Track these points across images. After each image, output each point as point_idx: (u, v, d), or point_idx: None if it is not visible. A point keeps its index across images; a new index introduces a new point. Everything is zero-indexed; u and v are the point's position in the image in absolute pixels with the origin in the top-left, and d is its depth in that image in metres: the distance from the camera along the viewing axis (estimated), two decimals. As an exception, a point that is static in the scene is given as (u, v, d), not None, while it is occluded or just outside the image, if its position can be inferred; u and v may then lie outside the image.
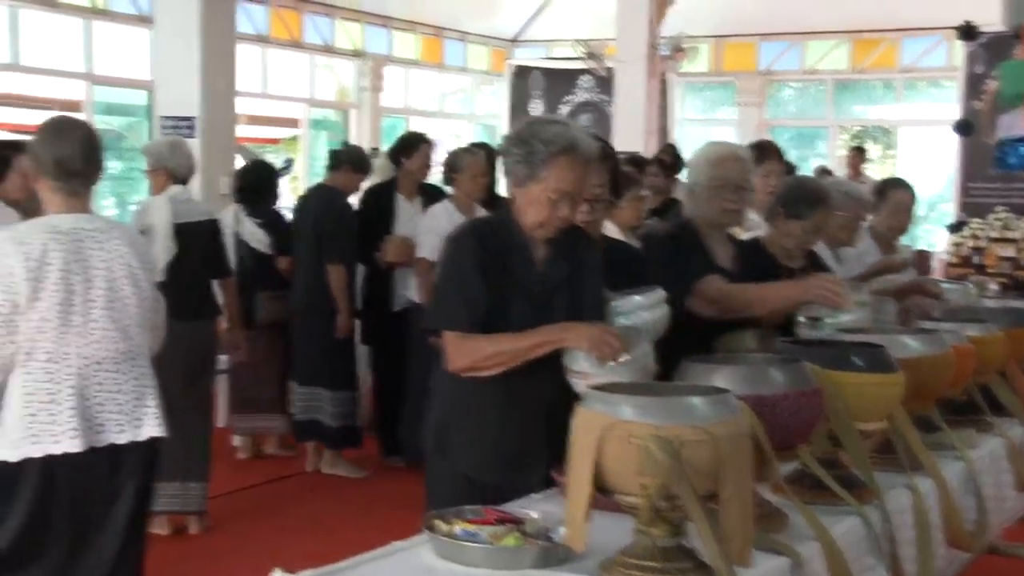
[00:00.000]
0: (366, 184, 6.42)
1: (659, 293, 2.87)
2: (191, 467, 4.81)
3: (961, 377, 2.76)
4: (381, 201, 6.16)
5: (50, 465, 2.91)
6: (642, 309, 2.78)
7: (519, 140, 2.66)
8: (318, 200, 5.97)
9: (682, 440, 1.75)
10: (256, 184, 6.20)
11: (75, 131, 3.01)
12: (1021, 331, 3.23)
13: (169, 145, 5.01)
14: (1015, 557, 4.10)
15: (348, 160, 6.07)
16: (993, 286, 6.88)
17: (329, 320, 5.81)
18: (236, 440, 6.36)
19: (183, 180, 4.94)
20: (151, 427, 3.04)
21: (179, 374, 4.59)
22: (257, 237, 6.04)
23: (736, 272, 3.35)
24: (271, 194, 6.28)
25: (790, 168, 5.47)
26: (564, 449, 2.54)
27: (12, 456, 2.91)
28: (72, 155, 2.94)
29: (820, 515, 2.16)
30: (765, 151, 4.83)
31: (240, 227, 6.05)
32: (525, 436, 2.71)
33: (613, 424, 1.78)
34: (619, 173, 3.15)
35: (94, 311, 2.93)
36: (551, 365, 2.64)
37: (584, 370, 2.54)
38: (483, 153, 6.10)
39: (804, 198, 3.61)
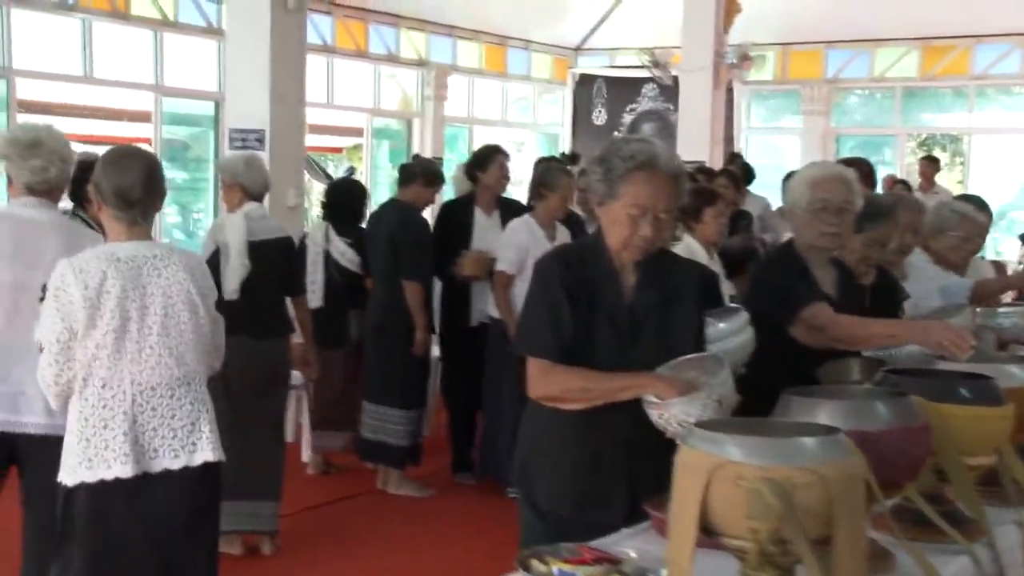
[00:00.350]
0: (439, 198, 6.38)
1: (743, 316, 2.79)
2: (263, 486, 4.79)
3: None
4: (459, 216, 6.11)
5: (104, 491, 2.94)
6: (728, 336, 2.72)
7: (600, 159, 2.63)
8: (392, 216, 5.91)
9: (794, 483, 1.67)
10: (345, 203, 6.19)
11: (136, 162, 3.04)
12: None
13: (244, 161, 5.00)
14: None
15: (421, 173, 6.02)
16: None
17: (404, 337, 5.74)
18: (305, 456, 6.36)
19: (258, 196, 4.93)
20: (205, 452, 3.06)
21: (252, 391, 4.59)
22: (347, 256, 6.04)
23: (838, 297, 3.23)
24: (360, 213, 6.26)
25: (873, 186, 5.33)
26: (644, 484, 2.50)
27: (69, 480, 2.97)
28: (132, 185, 2.98)
29: (927, 554, 2.07)
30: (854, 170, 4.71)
31: (330, 246, 6.06)
32: (603, 470, 2.65)
33: (720, 465, 1.71)
34: (690, 190, 3.09)
35: (149, 338, 2.97)
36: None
37: (660, 399, 2.46)
38: (575, 173, 6.03)
39: (865, 211, 3.49)
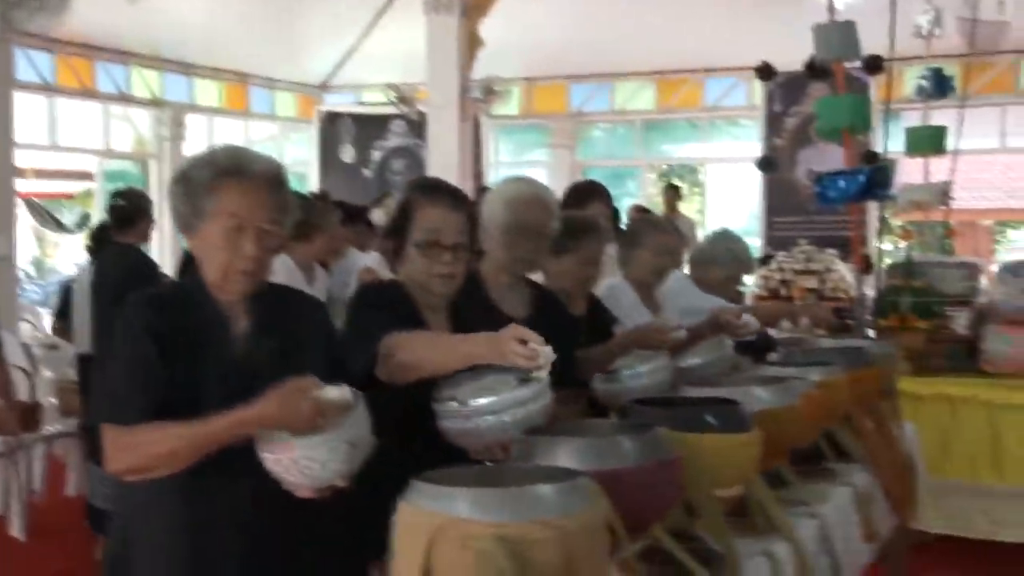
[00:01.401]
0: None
1: (543, 381, 2.23)
2: None
3: (812, 427, 2.58)
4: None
5: None
6: (528, 402, 2.17)
7: (178, 178, 2.21)
8: (122, 264, 5.40)
9: (529, 540, 1.46)
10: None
11: None
12: (861, 371, 3.11)
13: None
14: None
15: (144, 209, 5.58)
16: (805, 320, 6.91)
17: None
18: (15, 529, 5.78)
19: None
20: None
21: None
22: None
23: (533, 319, 2.91)
24: None
25: (615, 211, 5.24)
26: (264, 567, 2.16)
27: None
28: None
29: (679, 598, 1.92)
30: (591, 192, 4.61)
31: None
32: (211, 554, 2.14)
33: (445, 523, 1.48)
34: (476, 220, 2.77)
35: None
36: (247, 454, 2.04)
37: (274, 440, 2.00)
38: (340, 209, 5.69)
39: (567, 230, 3.38)
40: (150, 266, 5.51)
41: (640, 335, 3.16)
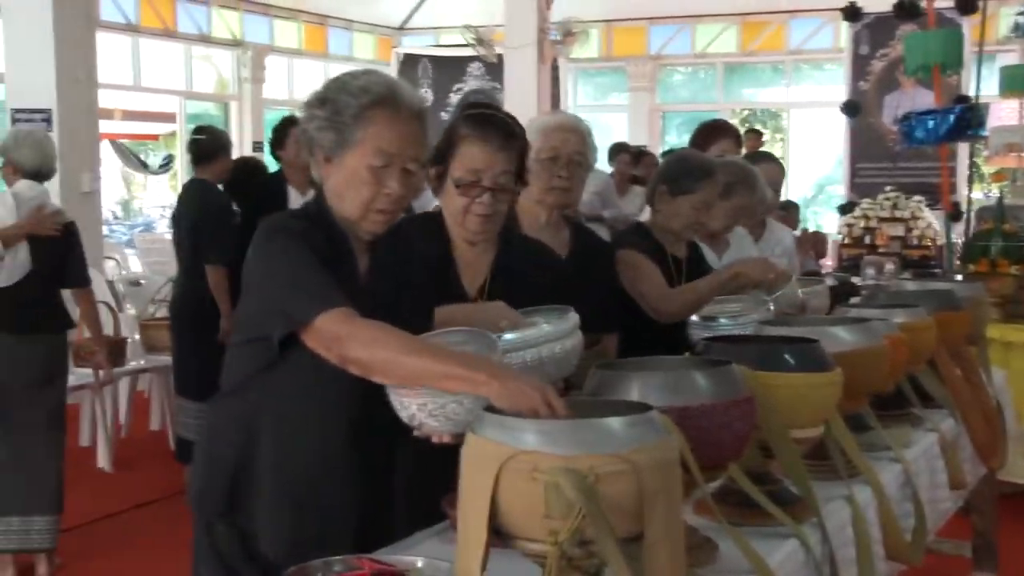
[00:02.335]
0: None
1: (573, 317, 2.17)
2: (34, 499, 4.27)
3: (896, 370, 2.49)
4: (275, 199, 5.62)
5: None
6: (555, 340, 2.10)
7: (321, 100, 2.02)
8: (193, 197, 5.49)
9: (598, 473, 1.41)
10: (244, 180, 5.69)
11: None
12: (948, 315, 2.99)
13: (14, 135, 4.49)
14: (949, 555, 3.91)
15: (224, 145, 5.63)
16: (890, 266, 6.76)
17: (205, 325, 5.33)
18: (102, 461, 5.90)
19: (34, 175, 4.41)
20: None
21: (17, 395, 4.12)
22: None
23: (573, 260, 2.87)
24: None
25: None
26: (373, 511, 2.10)
27: None
28: None
29: (753, 539, 1.86)
30: (717, 130, 4.47)
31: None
32: (324, 498, 2.07)
33: (513, 455, 1.44)
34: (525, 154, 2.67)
35: None
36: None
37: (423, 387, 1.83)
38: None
39: (690, 171, 3.29)
40: (224, 207, 5.53)
41: (747, 266, 3.06)
